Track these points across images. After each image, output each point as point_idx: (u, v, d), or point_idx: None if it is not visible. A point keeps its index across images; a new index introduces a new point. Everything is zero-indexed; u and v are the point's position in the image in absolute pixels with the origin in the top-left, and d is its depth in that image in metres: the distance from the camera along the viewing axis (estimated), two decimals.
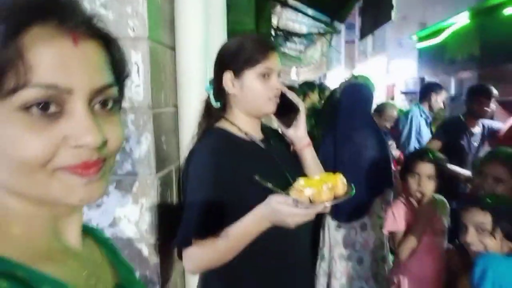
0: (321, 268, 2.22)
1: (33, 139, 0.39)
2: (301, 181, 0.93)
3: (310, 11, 4.91)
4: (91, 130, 0.41)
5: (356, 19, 10.93)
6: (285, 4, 4.69)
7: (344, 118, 2.22)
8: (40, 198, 0.42)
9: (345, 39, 14.04)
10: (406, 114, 3.56)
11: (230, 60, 1.09)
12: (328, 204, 0.88)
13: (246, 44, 1.08)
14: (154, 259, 1.14)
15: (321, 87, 4.21)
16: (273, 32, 4.82)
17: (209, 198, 1.02)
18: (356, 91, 2.30)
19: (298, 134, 1.19)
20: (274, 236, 1.08)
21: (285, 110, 1.18)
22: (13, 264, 0.40)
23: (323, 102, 3.60)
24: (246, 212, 1.00)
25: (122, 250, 1.14)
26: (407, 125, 3.41)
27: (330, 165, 1.99)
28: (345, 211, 2.11)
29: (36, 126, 0.39)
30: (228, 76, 1.11)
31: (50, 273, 0.42)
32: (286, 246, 1.13)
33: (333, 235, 2.18)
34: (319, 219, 2.23)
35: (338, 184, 0.90)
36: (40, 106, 0.39)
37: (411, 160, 1.85)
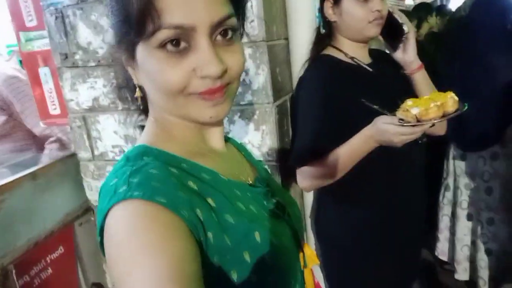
0: (445, 197, 2.15)
1: (170, 71, 0.48)
2: (408, 102, 0.92)
3: None
4: (213, 62, 0.47)
5: None
6: None
7: (474, 37, 1.96)
8: (184, 116, 0.54)
9: None
10: None
11: None
12: (437, 121, 0.86)
13: None
14: (277, 179, 1.28)
15: (441, 11, 3.69)
16: None
17: (319, 122, 1.09)
18: (490, 3, 1.99)
19: (407, 57, 1.15)
20: (386, 164, 1.11)
21: (393, 32, 1.14)
22: (179, 159, 0.53)
23: (444, 25, 3.21)
24: (354, 132, 1.04)
25: None
26: None
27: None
28: (470, 138, 1.95)
29: (171, 60, 0.48)
30: (328, 4, 1.12)
31: (204, 165, 0.55)
32: (397, 175, 1.14)
33: (458, 164, 2.06)
34: (440, 148, 2.12)
35: (447, 101, 0.87)
36: (173, 43, 0.47)
37: None
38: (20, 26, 1.52)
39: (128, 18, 0.47)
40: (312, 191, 1.40)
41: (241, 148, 0.74)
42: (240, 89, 1.23)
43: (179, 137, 0.57)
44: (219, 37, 0.49)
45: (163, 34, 0.46)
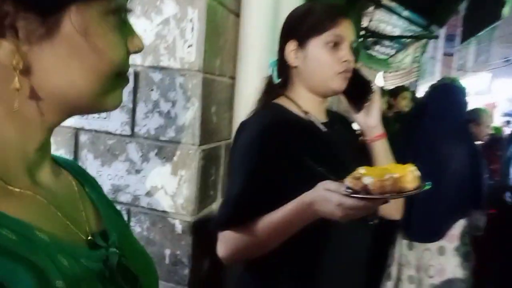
0: (386, 287, 1.95)
1: (118, 44, 0.40)
2: (361, 169, 0.75)
3: (405, 13, 4.52)
4: (139, 38, 0.43)
5: (457, 30, 9.98)
6: (379, 5, 4.38)
7: (430, 123, 1.92)
8: (88, 109, 0.42)
9: (443, 51, 12.93)
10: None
11: (294, 27, 0.94)
12: (391, 197, 0.69)
13: (314, 9, 0.93)
14: (187, 238, 1.04)
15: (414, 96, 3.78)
16: (362, 33, 4.53)
17: (252, 178, 0.89)
18: (447, 92, 1.97)
19: (370, 121, 1.00)
20: (324, 243, 0.91)
21: (357, 91, 1.00)
22: None
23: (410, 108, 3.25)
24: (291, 198, 0.84)
25: (155, 223, 1.06)
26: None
27: None
28: (419, 228, 1.82)
29: (118, 29, 0.40)
30: (290, 47, 0.96)
31: (8, 212, 0.35)
32: (335, 253, 0.94)
33: (404, 254, 1.90)
34: (388, 233, 1.96)
35: (406, 175, 0.70)
36: (124, 10, 0.41)
37: None
38: None
39: None
40: (232, 264, 1.16)
41: (86, 182, 0.51)
42: (161, 122, 1.02)
43: None
44: None
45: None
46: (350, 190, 0.73)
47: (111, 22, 0.39)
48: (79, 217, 0.45)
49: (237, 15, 1.18)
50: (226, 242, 0.91)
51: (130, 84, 1.03)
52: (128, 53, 0.42)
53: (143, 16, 1.00)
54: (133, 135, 1.05)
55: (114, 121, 1.06)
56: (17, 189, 0.38)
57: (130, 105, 1.04)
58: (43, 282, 0.33)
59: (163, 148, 1.03)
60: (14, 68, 0.35)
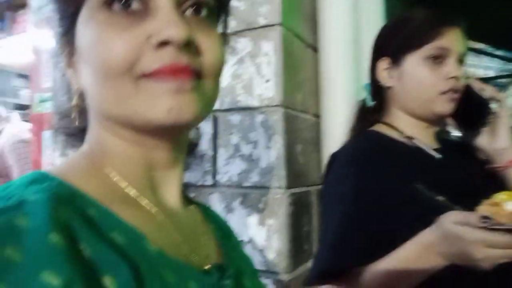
0: None
1: (114, 37, 0.34)
2: (499, 195, 0.57)
3: (498, 52, 4.13)
4: (175, 24, 0.34)
5: None
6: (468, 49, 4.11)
7: None
8: (130, 117, 0.36)
9: None
10: None
11: (386, 42, 0.83)
12: None
13: (411, 19, 0.81)
14: None
15: None
16: None
17: (352, 216, 0.73)
18: None
19: (497, 144, 0.79)
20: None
21: (472, 114, 0.82)
22: (87, 201, 0.34)
23: None
24: (404, 240, 0.66)
25: None
26: None
27: None
28: None
29: (118, 24, 0.35)
30: (383, 65, 0.84)
31: (127, 220, 0.35)
32: None
33: None
34: None
35: None
36: (122, 2, 0.35)
37: None
38: (36, 87, 1.44)
39: None
40: None
41: (213, 219, 0.51)
42: (243, 166, 0.93)
43: (111, 168, 0.39)
44: (189, 12, 0.37)
45: None
46: (488, 221, 0.55)
47: (104, 17, 0.35)
48: (197, 246, 0.42)
49: (315, 49, 1.11)
50: None
51: (209, 131, 0.98)
52: (150, 46, 0.34)
53: None
54: (215, 184, 0.98)
55: (195, 171, 1.00)
56: (135, 197, 0.37)
57: (211, 153, 0.98)
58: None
59: (247, 196, 0.92)
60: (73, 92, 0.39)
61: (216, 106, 0.97)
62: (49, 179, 0.34)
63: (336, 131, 1.05)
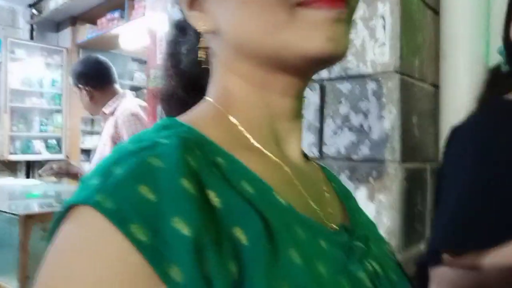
0: None
1: None
2: None
3: None
4: None
5: None
6: None
7: None
8: (276, 49, 0.34)
9: None
10: None
11: None
12: None
13: None
14: None
15: None
16: None
17: (481, 190, 0.65)
18: None
19: None
20: None
21: None
22: (215, 149, 0.33)
23: None
24: None
25: None
26: None
27: None
28: None
29: None
30: None
31: (252, 170, 0.33)
32: None
33: None
34: None
35: None
36: None
37: None
38: (152, 63, 1.56)
39: None
40: None
41: (332, 179, 0.48)
42: (353, 138, 0.89)
43: (236, 117, 0.38)
44: None
45: None
46: None
47: None
48: (322, 203, 0.39)
49: (436, 12, 0.99)
50: (439, 281, 0.67)
51: (316, 100, 0.95)
52: None
53: None
54: (321, 156, 0.95)
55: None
56: (261, 148, 0.36)
57: (317, 124, 0.95)
58: (274, 241, 0.29)
59: (356, 169, 0.88)
60: (200, 34, 0.37)
61: (324, 74, 0.94)
62: (179, 125, 0.34)
63: (457, 102, 0.94)
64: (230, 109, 0.38)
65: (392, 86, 0.83)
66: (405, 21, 0.84)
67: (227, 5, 0.35)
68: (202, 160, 0.30)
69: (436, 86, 0.99)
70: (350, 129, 0.89)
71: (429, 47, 0.97)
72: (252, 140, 0.36)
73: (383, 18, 0.84)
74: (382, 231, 0.80)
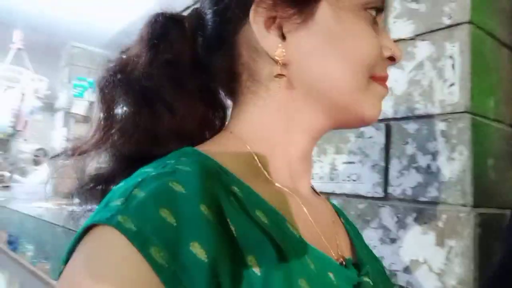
0: None
1: (372, 36, 0.38)
2: None
3: None
4: (397, 46, 0.40)
5: None
6: None
7: None
8: (350, 107, 0.38)
9: None
10: None
11: None
12: None
13: None
14: None
15: None
16: None
17: None
18: None
19: None
20: None
21: None
22: (230, 178, 0.34)
23: None
24: None
25: None
26: None
27: None
28: None
29: (372, 27, 0.38)
30: None
31: (266, 200, 0.35)
32: None
33: None
34: None
35: None
36: (376, 9, 0.38)
37: None
38: None
39: None
40: None
41: (340, 214, 0.51)
42: (420, 179, 0.86)
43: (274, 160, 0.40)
44: None
45: None
46: None
47: (364, 16, 0.37)
48: (332, 237, 0.41)
49: None
50: None
51: (381, 140, 0.94)
52: (383, 56, 0.39)
53: (393, 67, 0.94)
54: (386, 197, 0.93)
55: (365, 183, 0.97)
56: (277, 184, 0.38)
57: (382, 163, 0.94)
58: (287, 271, 0.30)
59: (423, 212, 0.84)
60: (277, 61, 0.36)
61: (390, 114, 0.93)
62: (197, 154, 0.35)
63: None
64: (252, 144, 0.38)
65: (463, 127, 0.80)
66: (476, 59, 0.82)
67: (320, 47, 0.36)
68: (220, 188, 0.31)
69: None
70: (417, 170, 0.87)
71: (507, 86, 0.92)
72: (267, 175, 0.38)
73: (451, 58, 0.83)
74: (453, 280, 0.75)
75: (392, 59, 0.40)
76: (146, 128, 0.36)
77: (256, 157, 0.38)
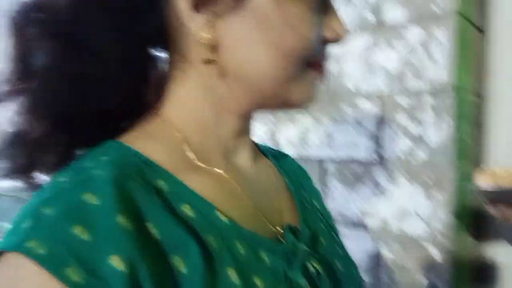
0: None
1: (309, 26, 0.35)
2: None
3: None
4: (343, 23, 0.37)
5: None
6: None
7: None
8: (281, 96, 0.37)
9: None
10: None
11: None
12: None
13: None
14: (444, 264, 0.98)
15: None
16: None
17: None
18: None
19: None
20: None
21: None
22: (159, 171, 0.33)
23: None
24: None
25: (408, 248, 1.04)
26: None
27: None
28: None
29: (314, 9, 0.35)
30: None
31: (192, 187, 0.34)
32: None
33: None
34: None
35: None
36: None
37: None
38: None
39: None
40: None
41: (288, 171, 0.49)
42: (411, 143, 1.03)
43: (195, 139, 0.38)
44: None
45: None
46: None
47: (307, 1, 0.35)
48: (271, 207, 0.41)
49: (480, 30, 1.12)
50: None
51: (375, 110, 1.09)
52: (324, 41, 0.37)
53: (388, 48, 1.07)
54: (381, 162, 1.10)
55: (361, 148, 1.13)
56: (206, 166, 0.36)
57: (375, 131, 1.10)
58: (212, 264, 0.30)
59: (413, 172, 1.03)
60: (206, 43, 0.33)
61: (384, 90, 1.08)
62: (120, 149, 0.33)
63: (505, 116, 1.07)
64: (182, 127, 0.37)
65: (448, 103, 0.97)
66: (460, 43, 0.98)
67: (252, 34, 0.34)
68: (141, 188, 0.30)
69: (480, 96, 1.13)
70: (407, 136, 1.04)
71: (473, 60, 1.10)
72: (198, 163, 0.36)
73: (439, 41, 0.98)
74: (438, 225, 0.95)
75: (334, 40, 0.37)
76: (71, 80, 0.32)
77: (186, 144, 0.36)
